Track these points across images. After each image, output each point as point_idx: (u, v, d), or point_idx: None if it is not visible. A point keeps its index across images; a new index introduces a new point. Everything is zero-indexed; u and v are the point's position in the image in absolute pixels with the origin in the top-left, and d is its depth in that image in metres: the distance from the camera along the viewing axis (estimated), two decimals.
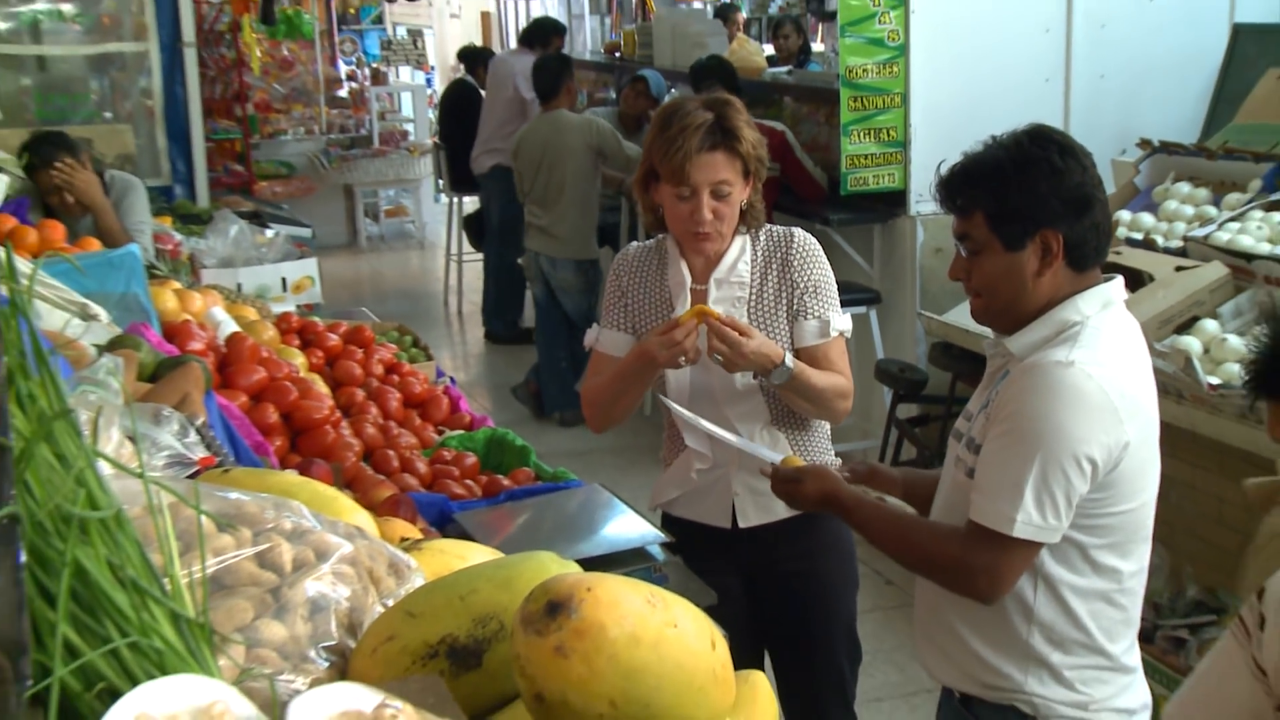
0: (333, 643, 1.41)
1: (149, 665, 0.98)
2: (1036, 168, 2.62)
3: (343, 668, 1.41)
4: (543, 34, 10.35)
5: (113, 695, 0.92)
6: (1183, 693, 2.20)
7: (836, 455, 3.56)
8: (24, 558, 0.90)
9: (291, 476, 1.94)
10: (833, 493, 2.91)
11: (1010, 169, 2.64)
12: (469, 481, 3.70)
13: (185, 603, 1.07)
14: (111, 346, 3.41)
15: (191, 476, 2.03)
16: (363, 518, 1.82)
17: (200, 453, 2.18)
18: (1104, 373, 2.58)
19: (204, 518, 1.46)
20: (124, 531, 1.03)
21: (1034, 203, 2.62)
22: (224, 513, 1.49)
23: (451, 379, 4.91)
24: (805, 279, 3.36)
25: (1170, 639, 4.66)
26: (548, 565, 1.49)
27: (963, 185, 2.70)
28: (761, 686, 1.68)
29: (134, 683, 0.96)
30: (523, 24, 13.91)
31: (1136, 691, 2.81)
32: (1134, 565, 2.75)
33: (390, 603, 1.50)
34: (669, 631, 1.28)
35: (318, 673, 1.37)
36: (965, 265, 2.74)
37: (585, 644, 1.22)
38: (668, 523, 3.51)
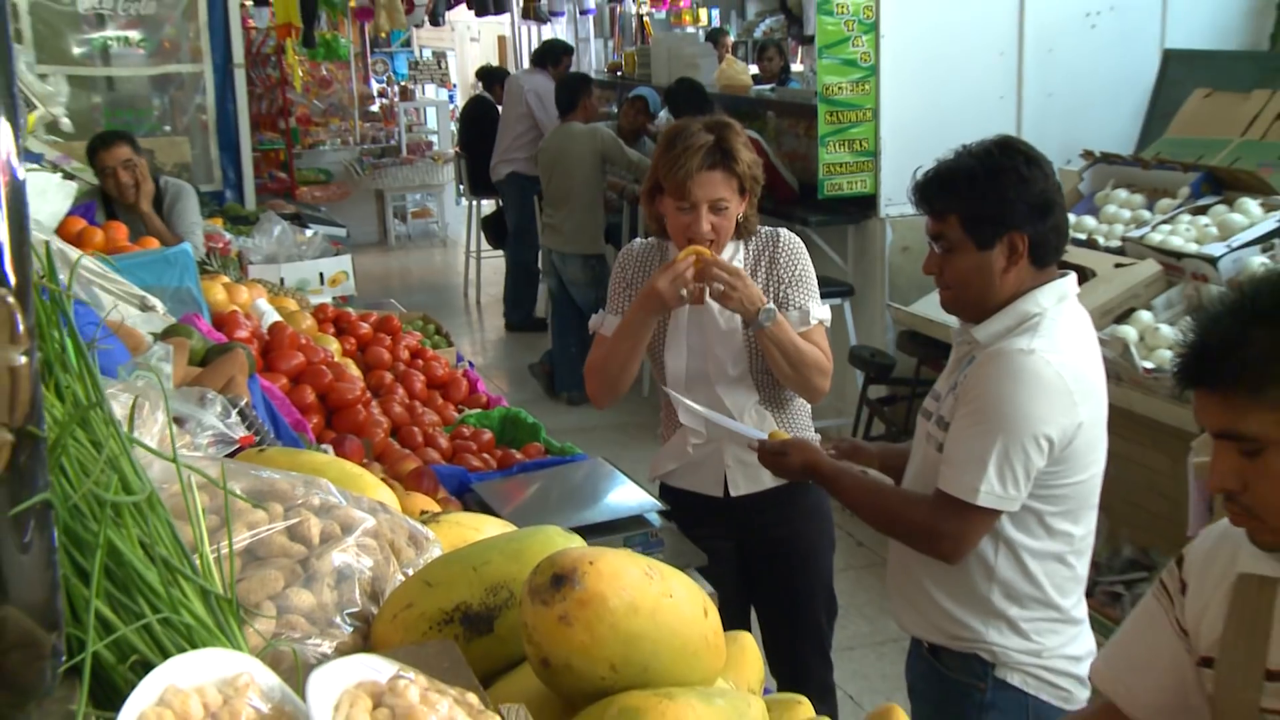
0: (357, 609, 1.37)
1: (179, 639, 0.93)
2: (1006, 176, 2.60)
3: (366, 632, 1.36)
4: (553, 55, 10.29)
5: (145, 667, 0.87)
6: (1108, 652, 2.17)
7: (816, 431, 3.52)
8: (57, 542, 0.86)
9: (321, 456, 1.89)
10: (814, 464, 2.91)
11: (982, 177, 2.62)
12: (485, 455, 3.65)
13: (214, 580, 1.01)
14: (166, 335, 3.38)
15: (231, 455, 1.99)
16: (385, 494, 1.76)
17: (240, 432, 2.13)
18: (1061, 359, 2.58)
19: (240, 493, 1.41)
20: (156, 513, 0.98)
21: (1003, 207, 2.60)
22: (258, 489, 1.44)
23: (470, 363, 4.87)
24: (790, 273, 3.33)
25: (1108, 593, 4.67)
26: (554, 539, 1.44)
27: (939, 190, 2.68)
28: (749, 647, 1.64)
29: (165, 655, 0.90)
30: (535, 47, 13.89)
31: (1083, 640, 2.80)
32: (1084, 529, 2.76)
33: (410, 572, 1.45)
34: (665, 601, 1.23)
35: (343, 637, 1.32)
36: (939, 262, 2.72)
37: (587, 613, 1.18)
38: (665, 492, 3.47)
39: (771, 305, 3.16)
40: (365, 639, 1.35)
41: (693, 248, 3.14)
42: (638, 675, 1.20)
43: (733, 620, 3.45)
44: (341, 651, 1.30)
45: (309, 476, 1.48)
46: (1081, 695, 2.79)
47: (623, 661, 1.19)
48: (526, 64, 13.75)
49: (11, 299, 0.76)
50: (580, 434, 6.11)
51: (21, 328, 0.76)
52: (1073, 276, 2.73)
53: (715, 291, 3.13)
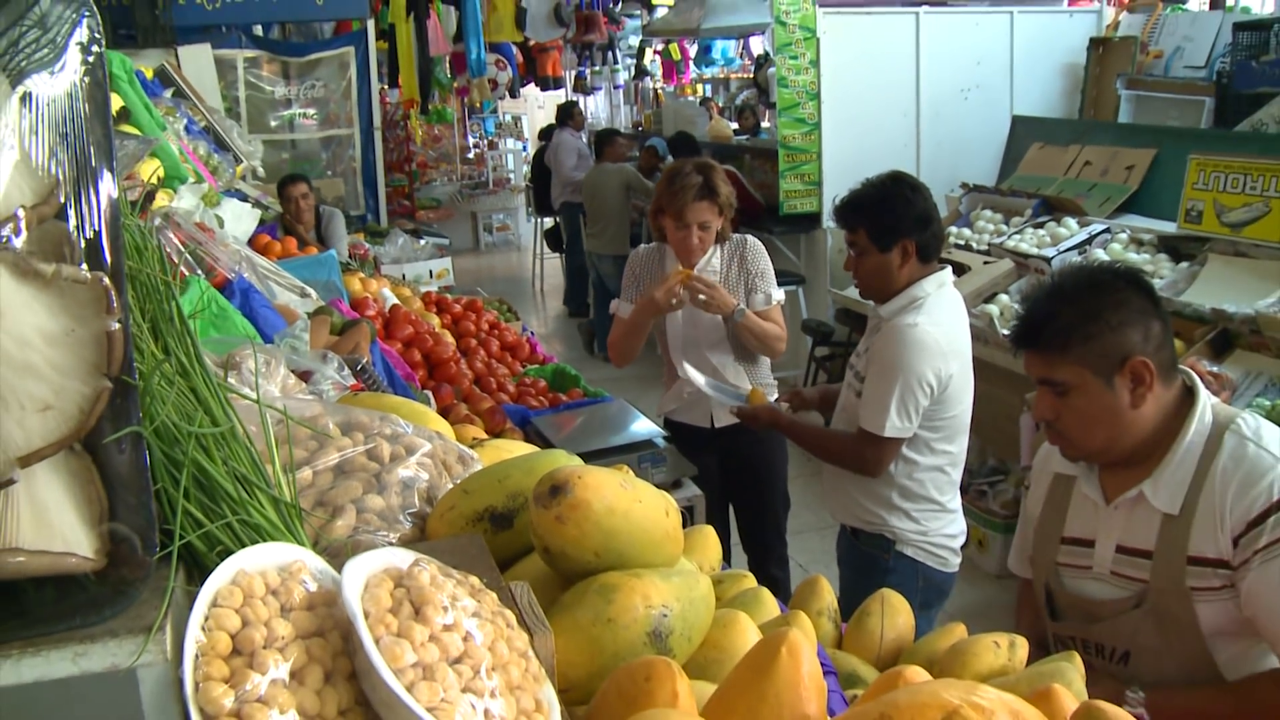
0: (415, 510, 1.29)
1: (253, 534, 0.85)
2: (896, 200, 2.57)
3: (421, 527, 1.28)
4: (567, 113, 10.15)
5: (229, 555, 0.80)
6: (1013, 546, 2.15)
7: (775, 379, 3.48)
8: (159, 463, 0.79)
9: (395, 398, 1.80)
10: (775, 421, 2.89)
11: (880, 201, 2.58)
12: (541, 397, 3.59)
13: (284, 491, 0.94)
14: (315, 314, 3.32)
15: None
16: (443, 426, 1.68)
17: (351, 381, 2.05)
18: (937, 330, 2.54)
19: (332, 424, 1.34)
20: (237, 441, 0.90)
21: (895, 221, 2.56)
22: (347, 422, 1.37)
23: (532, 332, 4.80)
24: (756, 267, 3.28)
25: (977, 490, 4.64)
26: (558, 459, 1.36)
27: (851, 211, 2.64)
28: (710, 535, 1.56)
29: (243, 547, 0.83)
30: (587, 112, 13.78)
31: (957, 524, 2.79)
32: (958, 448, 2.73)
33: (457, 482, 1.37)
34: (636, 505, 1.15)
35: (404, 530, 1.25)
36: (854, 262, 2.68)
37: (577, 514, 1.10)
38: (668, 424, 3.44)
39: (742, 306, 3.13)
40: (421, 532, 1.28)
41: (680, 270, 3.12)
42: (615, 560, 1.13)
43: (715, 514, 3.41)
44: (403, 542, 1.23)
45: (384, 413, 1.41)
46: (955, 561, 2.78)
47: (603, 549, 1.12)
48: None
49: (106, 280, 0.69)
50: (609, 382, 6.00)
51: (115, 303, 0.69)
52: (949, 269, 2.69)
53: (699, 302, 3.09)
